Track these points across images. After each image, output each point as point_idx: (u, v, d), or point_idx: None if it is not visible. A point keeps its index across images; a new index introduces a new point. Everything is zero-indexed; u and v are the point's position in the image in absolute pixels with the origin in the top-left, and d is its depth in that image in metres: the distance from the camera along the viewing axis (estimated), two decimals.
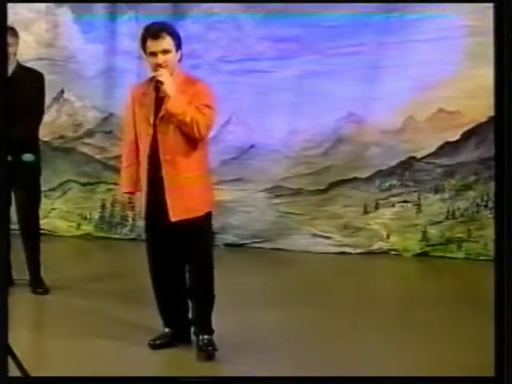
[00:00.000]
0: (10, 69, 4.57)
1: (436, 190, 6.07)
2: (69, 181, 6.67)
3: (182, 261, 3.79)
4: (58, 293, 4.80)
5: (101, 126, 6.57)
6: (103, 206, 6.60)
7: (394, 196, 6.16)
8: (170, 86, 3.50)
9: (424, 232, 6.08)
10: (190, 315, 3.89)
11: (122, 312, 4.42)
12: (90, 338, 3.99)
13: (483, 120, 5.73)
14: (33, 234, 4.85)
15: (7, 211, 4.16)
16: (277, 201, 6.30)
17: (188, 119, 3.50)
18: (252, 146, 6.29)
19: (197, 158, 3.65)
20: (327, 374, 3.52)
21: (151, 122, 3.60)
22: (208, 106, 3.57)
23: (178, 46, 3.59)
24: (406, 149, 6.07)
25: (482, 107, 5.54)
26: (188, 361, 3.73)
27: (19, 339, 3.27)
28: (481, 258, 5.87)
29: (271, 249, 6.27)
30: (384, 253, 6.14)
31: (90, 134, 6.61)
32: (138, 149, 3.72)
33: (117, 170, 5.65)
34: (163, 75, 3.50)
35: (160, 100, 3.58)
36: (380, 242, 6.17)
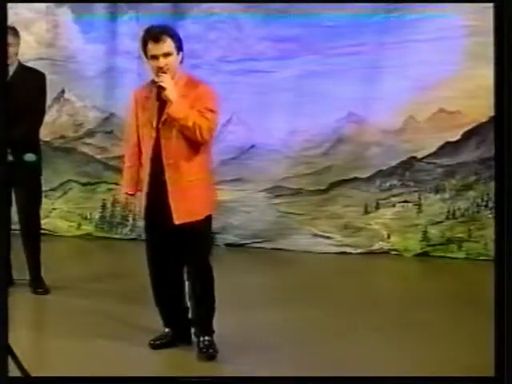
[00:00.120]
0: (12, 69, 4.57)
1: (436, 190, 6.07)
2: (69, 181, 6.66)
3: (181, 262, 3.78)
4: (59, 293, 4.80)
5: (101, 126, 6.56)
6: (104, 206, 6.60)
7: (394, 196, 6.16)
8: (171, 91, 3.49)
9: (424, 232, 6.08)
10: (190, 315, 3.90)
11: (122, 312, 4.42)
12: (90, 337, 3.99)
13: (483, 120, 5.73)
14: (33, 234, 4.84)
15: (8, 211, 4.16)
16: (277, 201, 6.29)
17: (190, 124, 3.49)
18: (252, 146, 6.28)
19: (199, 162, 3.64)
20: (327, 374, 3.52)
21: (154, 125, 3.59)
22: (211, 110, 3.55)
23: (179, 48, 3.58)
24: (407, 149, 6.06)
25: (482, 107, 5.54)
26: (188, 361, 3.73)
27: (19, 339, 3.27)
28: (481, 258, 5.87)
29: (272, 249, 6.26)
30: (384, 253, 6.14)
31: (90, 133, 6.60)
32: (140, 151, 3.72)
33: (117, 170, 5.68)
34: (165, 81, 3.49)
35: (163, 104, 3.56)
36: (380, 242, 6.17)
